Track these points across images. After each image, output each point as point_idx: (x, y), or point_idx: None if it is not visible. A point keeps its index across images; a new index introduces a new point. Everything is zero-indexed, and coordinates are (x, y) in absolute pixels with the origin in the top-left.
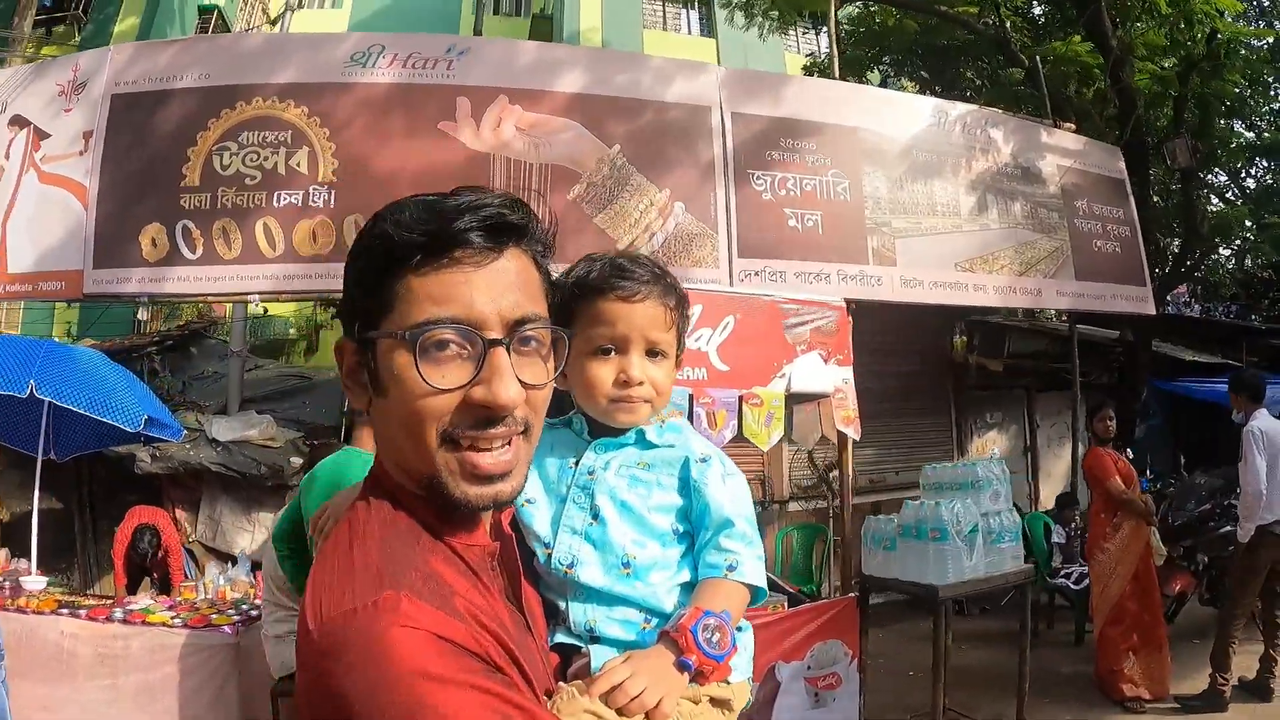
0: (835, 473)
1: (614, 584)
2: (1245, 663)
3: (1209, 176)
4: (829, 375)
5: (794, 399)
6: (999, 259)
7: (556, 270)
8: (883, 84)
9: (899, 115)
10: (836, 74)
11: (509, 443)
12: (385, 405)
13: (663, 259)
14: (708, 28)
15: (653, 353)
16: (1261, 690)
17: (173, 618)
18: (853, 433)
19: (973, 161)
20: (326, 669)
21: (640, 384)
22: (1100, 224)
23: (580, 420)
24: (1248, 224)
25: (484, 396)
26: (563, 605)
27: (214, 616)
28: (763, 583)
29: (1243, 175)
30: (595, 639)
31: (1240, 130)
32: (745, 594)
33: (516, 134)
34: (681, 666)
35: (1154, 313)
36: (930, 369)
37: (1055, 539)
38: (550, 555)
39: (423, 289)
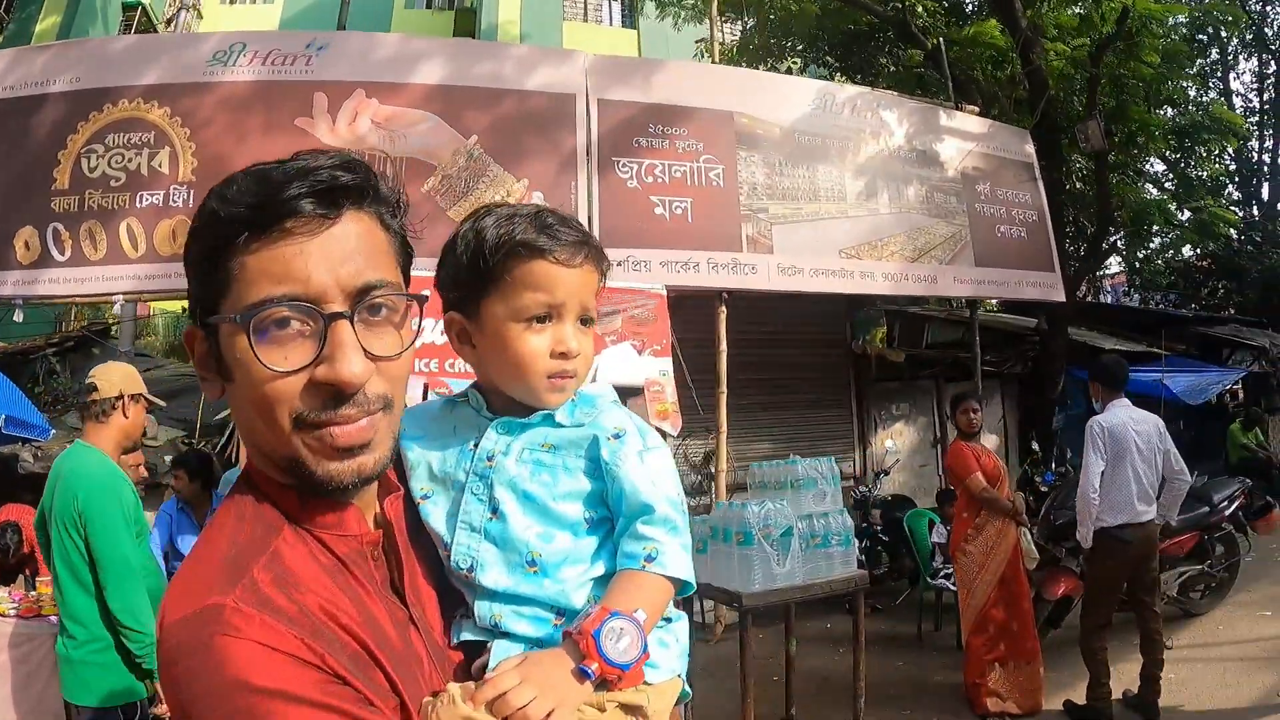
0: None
1: (519, 584)
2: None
3: (1145, 164)
4: (642, 367)
5: None
6: (889, 245)
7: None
8: (798, 72)
9: (780, 98)
10: (715, 57)
11: (366, 418)
12: (235, 391)
13: None
14: (630, 19)
15: (584, 321)
16: (1147, 709)
17: (10, 608)
18: (670, 427)
19: (862, 145)
20: (167, 676)
21: (576, 356)
22: (1005, 208)
23: (476, 396)
24: (1175, 210)
25: (328, 375)
26: (470, 598)
27: (45, 607)
28: (688, 574)
29: (1181, 163)
30: (502, 634)
31: (1161, 114)
32: (667, 587)
33: (372, 127)
34: (581, 674)
35: (1064, 299)
36: (830, 360)
37: (936, 538)
38: (448, 557)
39: (256, 265)
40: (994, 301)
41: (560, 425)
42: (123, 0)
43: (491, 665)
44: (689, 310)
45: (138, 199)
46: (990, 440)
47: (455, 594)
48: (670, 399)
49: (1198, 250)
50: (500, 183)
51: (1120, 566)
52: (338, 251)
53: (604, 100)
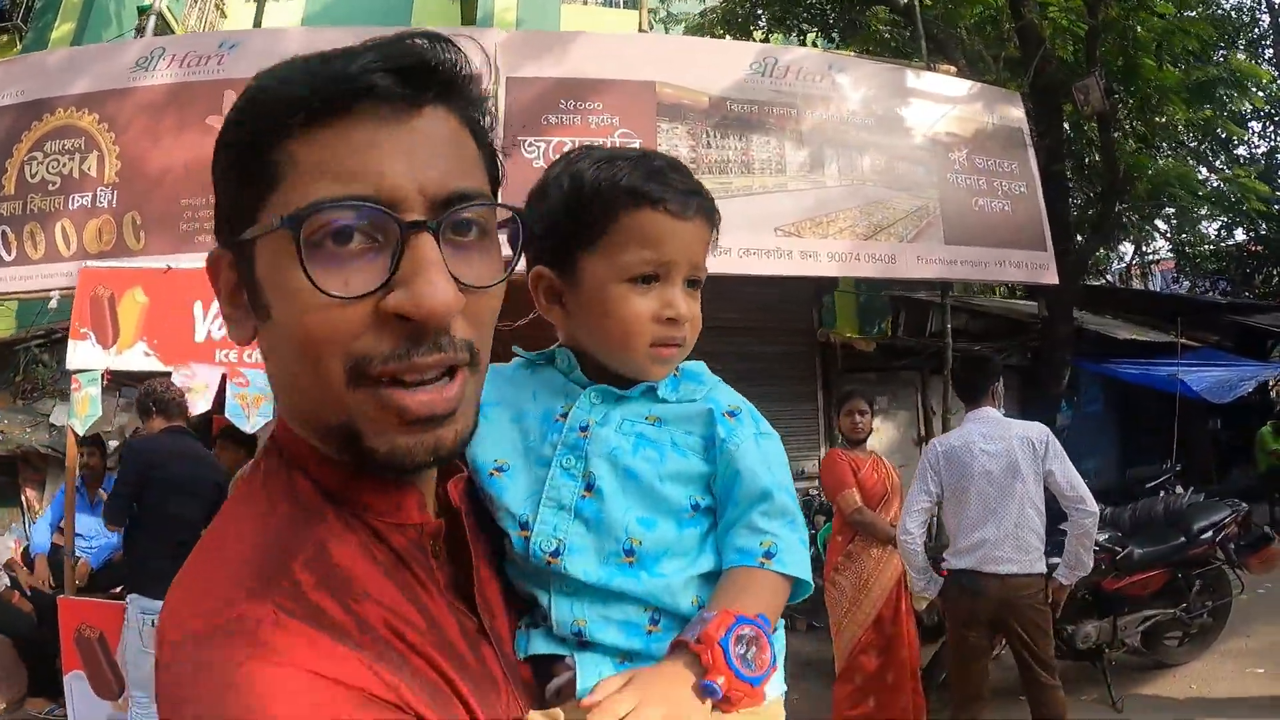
0: None
1: (613, 576)
2: None
3: (1172, 129)
4: None
5: None
6: (837, 221)
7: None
8: (764, 39)
9: (711, 65)
10: (643, 23)
11: (449, 373)
12: (272, 332)
13: None
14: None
15: (691, 283)
16: None
17: None
18: None
19: (809, 111)
20: (170, 696)
21: (684, 322)
22: (986, 179)
23: (567, 356)
24: (1200, 180)
25: (404, 303)
26: (544, 599)
27: None
28: (808, 574)
29: (1201, 124)
30: (584, 644)
31: (1176, 70)
32: (785, 589)
33: None
34: (705, 691)
35: (1056, 281)
36: (795, 349)
37: None
38: (528, 538)
39: (313, 158)
40: (1007, 285)
41: (664, 401)
42: (137, 5)
43: (583, 686)
44: None
45: (70, 201)
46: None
47: (518, 601)
48: None
49: (1250, 234)
50: None
51: (969, 624)
52: (422, 148)
53: (514, 78)
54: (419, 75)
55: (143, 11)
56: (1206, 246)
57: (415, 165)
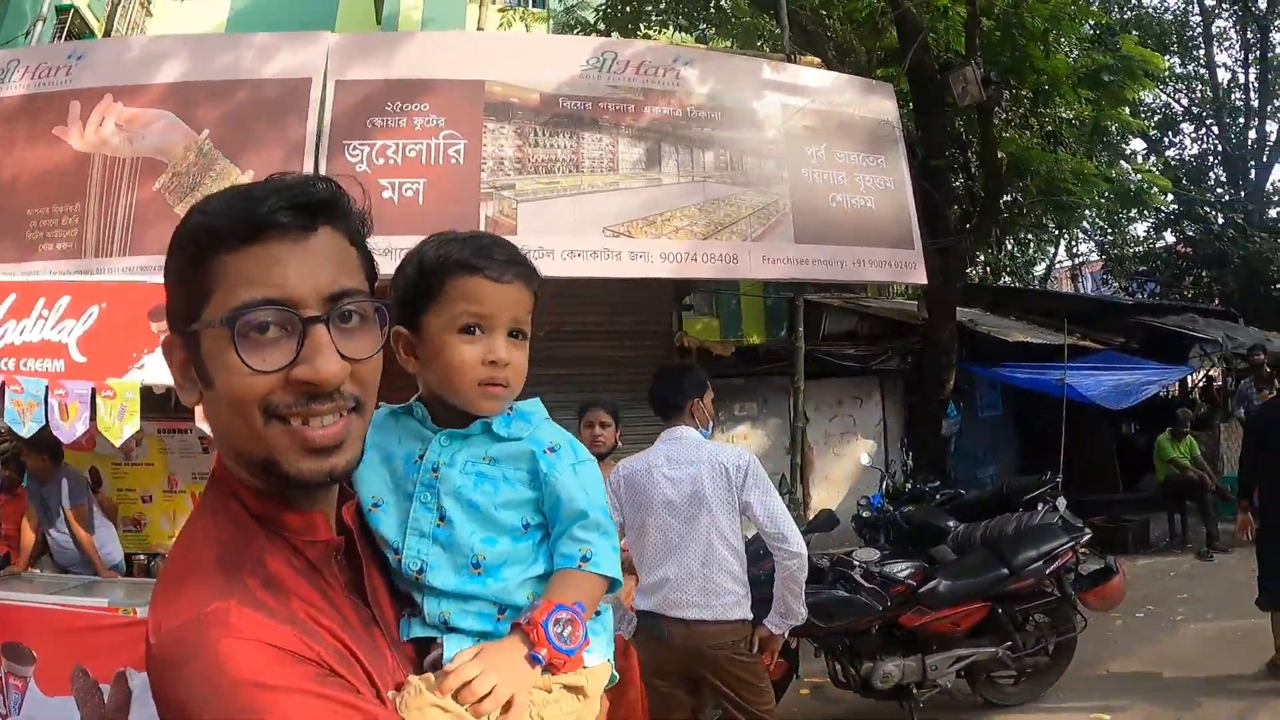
0: None
1: (465, 584)
2: None
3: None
4: None
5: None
6: (673, 220)
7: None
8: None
9: (544, 62)
10: (480, 22)
11: (339, 416)
12: (213, 396)
13: None
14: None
15: (514, 334)
16: None
17: None
18: None
19: (648, 107)
20: (165, 680)
21: (505, 365)
22: (847, 174)
23: (420, 408)
24: (1099, 176)
25: (307, 375)
26: (418, 598)
27: None
28: (617, 573)
29: (1093, 115)
30: (450, 629)
31: (1066, 57)
32: (601, 584)
33: (115, 130)
34: (533, 660)
35: (924, 281)
36: (652, 354)
37: None
38: (400, 560)
39: (238, 272)
40: (909, 285)
41: (499, 437)
42: (57, 3)
43: (447, 657)
44: None
45: None
46: (867, 447)
47: (401, 596)
48: None
49: (1178, 235)
50: (226, 176)
51: (657, 673)
52: (314, 261)
53: (342, 81)
54: (309, 208)
55: (61, 11)
56: (1134, 249)
57: (309, 274)
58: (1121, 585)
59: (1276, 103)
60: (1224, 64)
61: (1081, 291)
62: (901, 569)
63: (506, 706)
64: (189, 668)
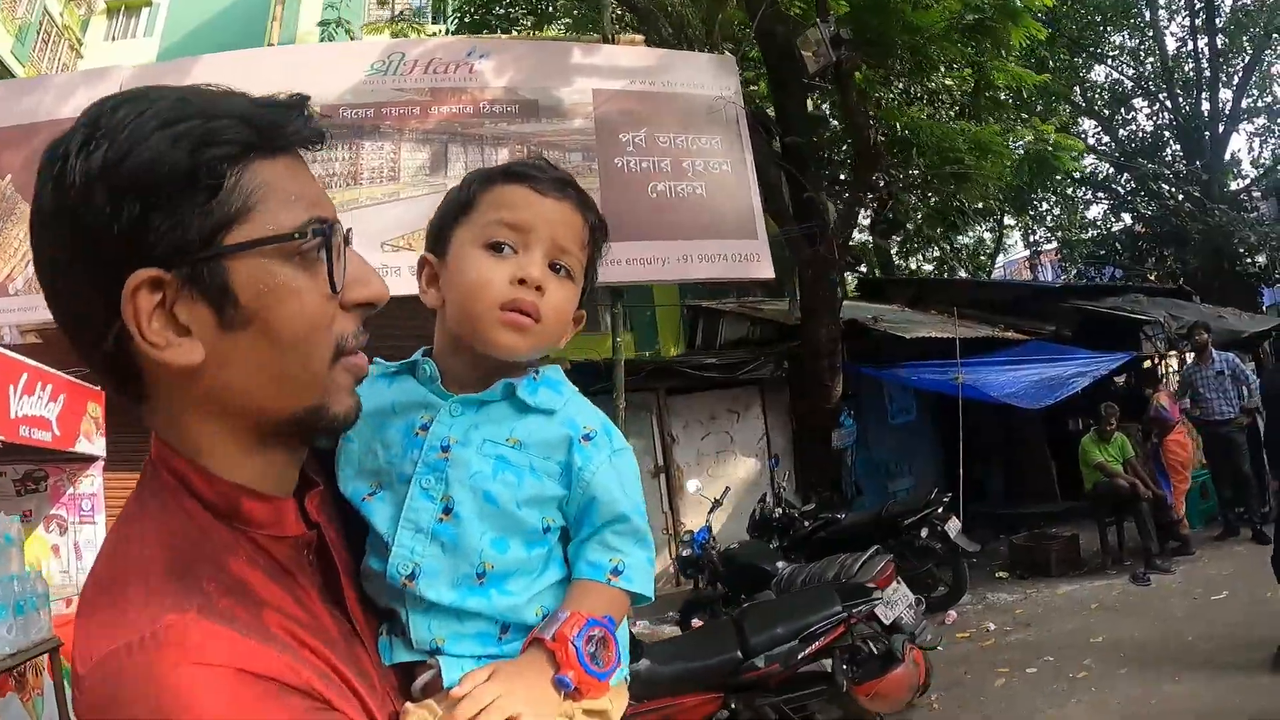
0: None
1: (465, 599)
2: None
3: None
4: None
5: None
6: None
7: None
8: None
9: (328, 72)
10: (271, 36)
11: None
12: (246, 341)
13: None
14: (440, 15)
15: (556, 267)
16: None
17: None
18: None
19: (436, 107)
20: None
21: (538, 290)
22: (671, 160)
23: (430, 365)
24: (1006, 141)
25: (369, 294)
26: (402, 615)
27: None
28: (650, 591)
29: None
30: (441, 655)
31: (936, 10)
32: (627, 603)
33: None
34: (560, 685)
35: (770, 275)
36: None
37: None
38: (385, 560)
39: (291, 186)
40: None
41: (526, 407)
42: None
43: (449, 679)
44: None
45: None
46: (748, 466)
47: (374, 604)
48: None
49: (1134, 216)
50: (24, 219)
51: None
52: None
53: None
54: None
55: None
56: (1091, 233)
57: (327, 197)
58: (908, 679)
59: (1229, 69)
60: (1172, 33)
61: (1041, 281)
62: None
63: None
64: (134, 710)
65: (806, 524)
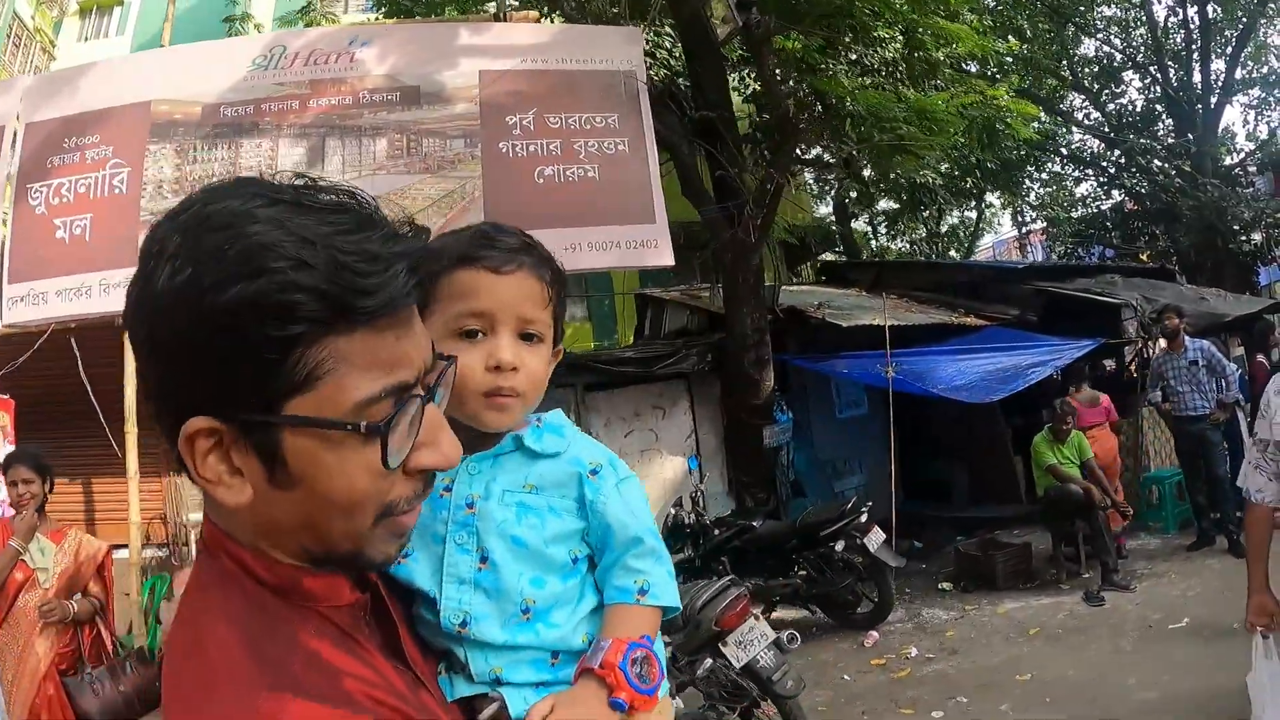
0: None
1: (515, 635)
2: None
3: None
4: None
5: None
6: None
7: None
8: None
9: (210, 70)
10: (167, 36)
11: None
12: (290, 498)
13: None
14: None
15: (526, 336)
16: None
17: None
18: None
19: (314, 100)
20: None
21: (513, 370)
22: (561, 141)
23: None
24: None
25: (436, 462)
26: (460, 654)
27: None
28: (676, 601)
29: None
30: (501, 684)
31: None
32: (658, 615)
33: None
34: (615, 707)
35: (669, 262)
36: None
37: None
38: (438, 612)
39: (367, 357)
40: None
41: (535, 454)
42: None
43: (515, 712)
44: None
45: None
46: (675, 466)
47: (431, 648)
48: None
49: (1123, 193)
50: None
51: None
52: (421, 329)
53: (32, 123)
54: (422, 280)
55: None
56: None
57: (424, 347)
58: None
59: (1221, 39)
60: (1162, 1)
61: (1025, 261)
62: None
63: None
64: None
65: (717, 533)
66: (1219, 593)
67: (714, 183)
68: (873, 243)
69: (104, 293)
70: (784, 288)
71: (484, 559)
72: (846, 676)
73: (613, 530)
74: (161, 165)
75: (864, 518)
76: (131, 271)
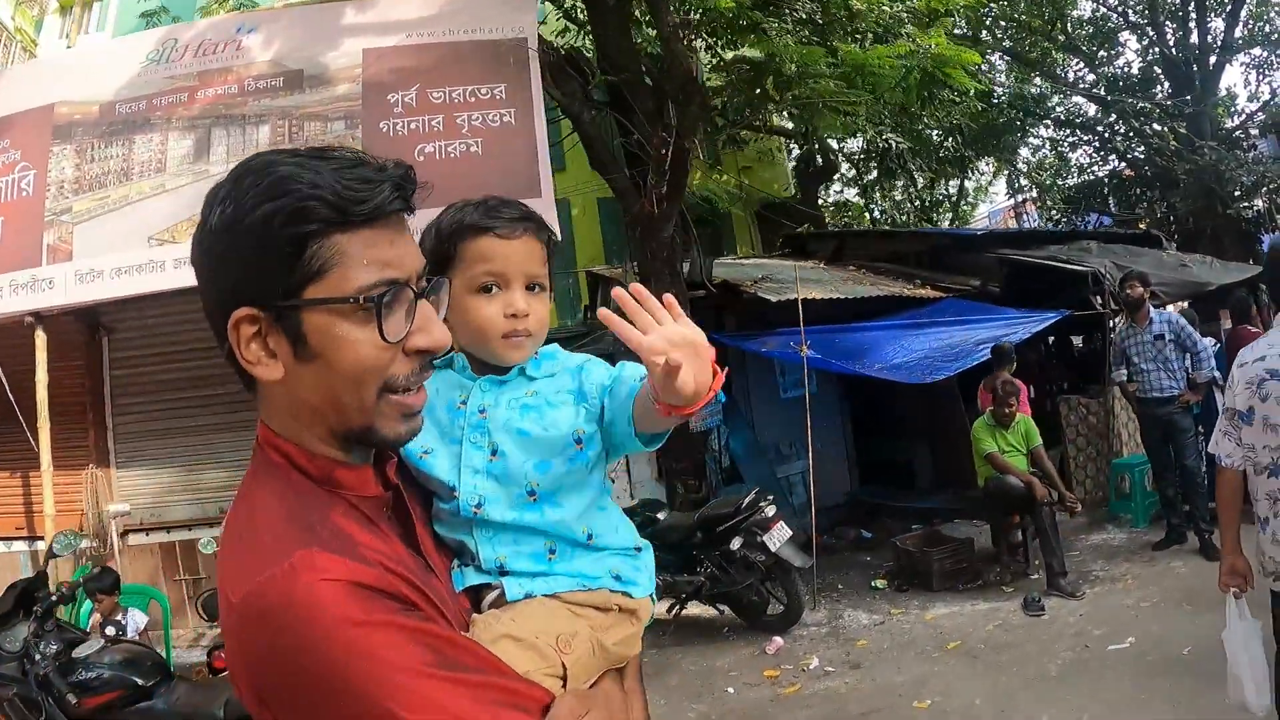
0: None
1: (522, 515)
2: None
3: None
4: None
5: None
6: None
7: None
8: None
9: (108, 69)
10: (71, 37)
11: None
12: (312, 370)
13: None
14: None
15: (531, 287)
16: None
17: None
18: None
19: (201, 91)
20: (255, 635)
21: (526, 315)
22: (444, 117)
23: (462, 359)
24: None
25: (427, 342)
26: (471, 544)
27: None
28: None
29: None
30: (504, 572)
31: None
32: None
33: None
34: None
35: (556, 238)
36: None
37: None
38: (457, 499)
39: (359, 252)
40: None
41: (533, 379)
42: None
43: (511, 596)
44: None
45: None
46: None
47: (447, 549)
48: None
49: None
50: None
51: None
52: (411, 242)
53: None
54: (408, 194)
55: None
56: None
57: (414, 253)
58: None
59: None
60: None
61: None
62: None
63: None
64: (279, 618)
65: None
66: (1177, 605)
67: (625, 152)
68: (867, 215)
69: (14, 293)
70: (726, 261)
71: (494, 452)
72: (730, 689)
73: (611, 378)
74: (64, 165)
75: (770, 511)
76: (34, 273)
